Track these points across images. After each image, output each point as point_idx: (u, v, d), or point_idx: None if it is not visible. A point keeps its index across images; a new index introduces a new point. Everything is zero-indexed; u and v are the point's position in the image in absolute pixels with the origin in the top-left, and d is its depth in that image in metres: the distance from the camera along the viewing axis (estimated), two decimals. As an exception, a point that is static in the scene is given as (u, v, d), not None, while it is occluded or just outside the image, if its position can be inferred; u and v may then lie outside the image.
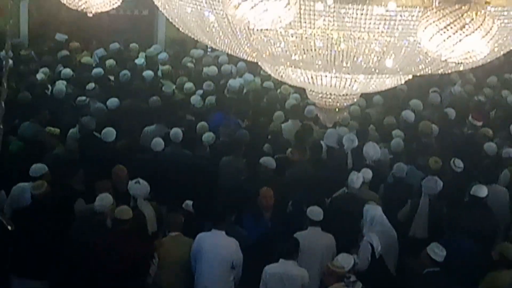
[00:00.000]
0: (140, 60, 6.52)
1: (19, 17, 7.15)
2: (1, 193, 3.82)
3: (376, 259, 3.49)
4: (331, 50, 1.40)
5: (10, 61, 4.30)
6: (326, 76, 1.54)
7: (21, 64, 5.99)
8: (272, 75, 1.69)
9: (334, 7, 1.28)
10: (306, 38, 1.35)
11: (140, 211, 3.57)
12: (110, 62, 6.31)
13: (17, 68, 5.78)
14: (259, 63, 1.68)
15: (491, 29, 1.38)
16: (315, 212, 3.50)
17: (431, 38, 1.42)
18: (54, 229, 3.45)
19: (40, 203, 3.45)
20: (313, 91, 1.64)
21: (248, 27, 1.35)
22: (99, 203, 3.35)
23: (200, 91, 5.74)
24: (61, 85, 5.56)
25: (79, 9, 1.55)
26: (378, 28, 1.32)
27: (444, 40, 1.42)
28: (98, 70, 5.99)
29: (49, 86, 5.76)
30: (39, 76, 5.92)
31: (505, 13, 1.41)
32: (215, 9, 1.29)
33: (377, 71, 1.51)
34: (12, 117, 4.40)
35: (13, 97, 4.58)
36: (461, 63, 1.32)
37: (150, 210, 3.71)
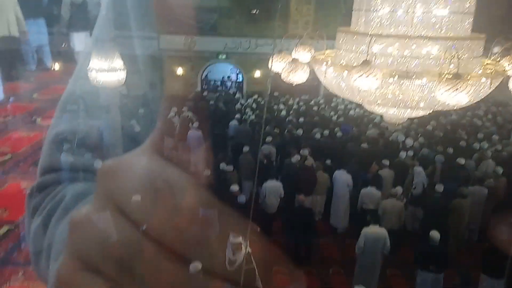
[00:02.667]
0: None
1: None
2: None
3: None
4: (395, 99, 3.16)
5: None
6: (392, 110, 3.32)
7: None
8: (368, 108, 3.51)
9: (397, 82, 3.06)
10: (384, 94, 3.13)
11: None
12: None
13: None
14: (362, 104, 3.47)
15: (469, 91, 3.10)
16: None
17: (442, 93, 3.16)
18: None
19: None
20: (386, 116, 3.44)
21: (358, 89, 3.14)
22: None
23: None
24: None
25: None
26: (418, 90, 3.07)
27: (448, 94, 3.15)
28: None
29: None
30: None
31: (477, 84, 3.12)
32: (345, 82, 3.12)
33: (415, 108, 3.24)
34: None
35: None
36: (454, 105, 3.03)
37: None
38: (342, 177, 7.70)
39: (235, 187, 6.62)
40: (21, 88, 15.73)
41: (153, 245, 0.39)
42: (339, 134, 9.83)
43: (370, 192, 7.25)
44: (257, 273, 0.42)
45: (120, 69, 5.55)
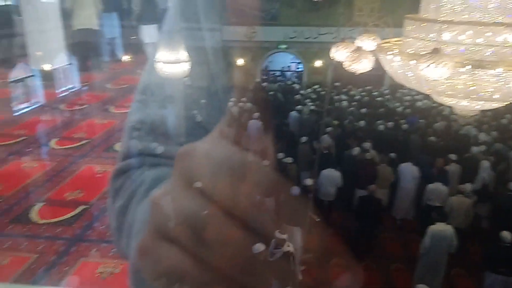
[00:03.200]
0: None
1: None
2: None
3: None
4: (466, 90, 2.95)
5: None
6: (463, 102, 3.10)
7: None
8: (437, 100, 3.32)
9: (470, 71, 2.85)
10: (455, 84, 2.93)
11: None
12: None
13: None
14: (430, 95, 3.29)
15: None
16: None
17: (521, 84, 2.89)
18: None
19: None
20: (456, 108, 3.23)
21: (427, 78, 2.97)
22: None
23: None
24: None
25: None
26: (492, 81, 2.85)
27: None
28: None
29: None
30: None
31: None
32: (412, 72, 2.97)
33: (489, 100, 3.00)
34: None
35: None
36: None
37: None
38: (409, 169, 7.40)
39: (308, 181, 6.49)
40: (95, 78, 16.92)
41: (224, 218, 0.43)
42: (404, 126, 9.41)
43: (436, 188, 6.88)
44: (295, 259, 0.44)
45: (185, 61, 5.75)
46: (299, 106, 10.91)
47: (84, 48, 16.15)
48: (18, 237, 7.33)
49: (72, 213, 8.20)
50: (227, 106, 0.58)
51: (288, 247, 0.43)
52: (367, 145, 7.97)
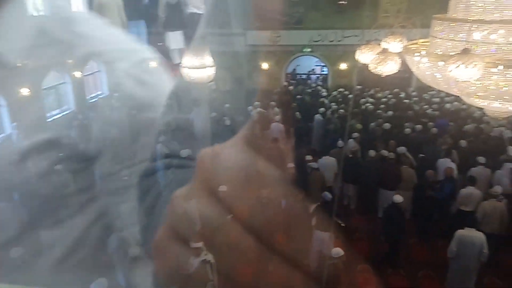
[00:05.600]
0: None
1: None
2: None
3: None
4: (499, 91, 2.85)
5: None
6: (495, 103, 2.99)
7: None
8: (467, 101, 3.22)
9: (502, 72, 2.76)
10: (486, 85, 2.84)
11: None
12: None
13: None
14: (460, 96, 3.20)
15: None
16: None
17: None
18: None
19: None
20: (488, 109, 3.11)
21: (456, 80, 2.89)
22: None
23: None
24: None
25: None
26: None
27: None
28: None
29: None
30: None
31: None
32: (441, 73, 2.89)
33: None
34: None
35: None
36: None
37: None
38: (447, 165, 7.41)
39: (327, 195, 6.48)
40: (124, 85, 17.30)
41: (237, 227, 0.42)
42: (433, 129, 9.18)
43: (468, 192, 6.66)
44: (212, 268, 0.43)
45: (210, 66, 5.83)
46: (322, 109, 10.84)
47: (112, 56, 16.61)
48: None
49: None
50: (252, 109, 0.56)
51: (206, 255, 0.41)
52: (392, 147, 7.95)
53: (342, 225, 6.35)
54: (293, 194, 0.44)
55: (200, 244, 0.42)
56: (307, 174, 7.37)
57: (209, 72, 5.90)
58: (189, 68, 5.71)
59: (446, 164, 7.48)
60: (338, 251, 5.09)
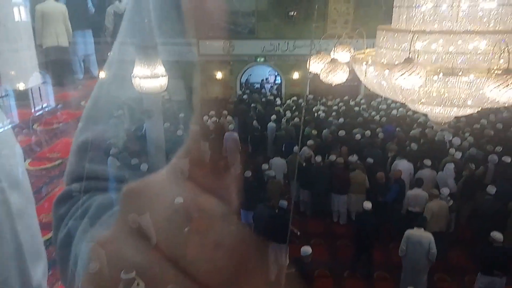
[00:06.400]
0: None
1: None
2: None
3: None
4: (440, 97, 3.04)
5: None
6: (437, 108, 3.19)
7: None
8: (412, 108, 3.40)
9: (442, 79, 2.94)
10: (429, 92, 3.01)
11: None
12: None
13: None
14: (405, 103, 3.36)
15: (522, 85, 2.92)
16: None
17: (491, 90, 3.00)
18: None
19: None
20: (431, 115, 3.31)
21: (401, 87, 3.04)
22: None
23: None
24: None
25: None
26: (465, 87, 2.94)
27: (499, 91, 2.99)
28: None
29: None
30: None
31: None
32: (386, 81, 3.03)
33: (462, 106, 3.09)
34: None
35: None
36: (505, 102, 2.87)
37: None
38: (405, 166, 7.81)
39: (283, 203, 6.55)
40: (70, 96, 16.58)
41: (169, 270, 0.37)
42: (381, 135, 9.58)
43: (415, 194, 7.00)
44: None
45: (162, 75, 5.73)
46: (276, 117, 11.00)
47: (58, 66, 15.89)
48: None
49: (49, 236, 7.93)
50: (207, 119, 0.52)
51: (138, 286, 0.37)
52: (342, 151, 8.36)
53: (298, 233, 6.43)
54: (245, 235, 0.38)
55: (133, 274, 0.37)
56: (264, 182, 7.41)
57: (162, 82, 5.79)
58: (140, 78, 5.57)
59: (399, 166, 7.81)
60: (306, 249, 5.19)
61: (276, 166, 8.16)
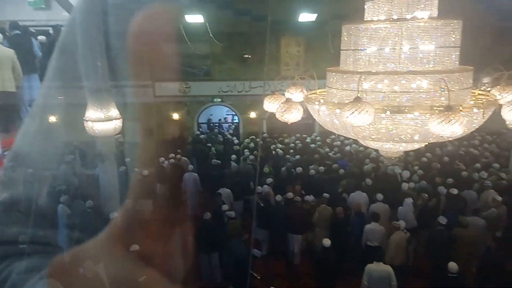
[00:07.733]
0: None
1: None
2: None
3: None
4: (389, 133, 3.20)
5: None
6: (387, 144, 3.35)
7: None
8: (363, 143, 3.55)
9: (390, 116, 3.11)
10: (378, 128, 3.16)
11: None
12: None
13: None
14: (357, 139, 3.51)
15: (462, 122, 3.14)
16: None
17: (435, 126, 3.19)
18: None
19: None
20: (381, 150, 3.47)
21: (352, 125, 3.18)
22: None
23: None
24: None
25: None
26: (411, 124, 3.12)
27: (442, 126, 3.18)
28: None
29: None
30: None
31: (470, 114, 3.17)
32: (338, 119, 3.16)
33: (410, 141, 3.27)
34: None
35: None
36: (449, 137, 3.06)
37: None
38: (361, 199, 8.06)
39: (257, 252, 6.69)
40: (18, 141, 15.74)
41: None
42: (339, 170, 9.83)
43: (373, 228, 7.14)
44: None
45: (116, 118, 5.62)
46: (235, 156, 11.04)
47: (4, 111, 15.21)
48: None
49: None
50: (163, 160, 0.50)
51: None
52: (296, 189, 8.49)
53: (258, 277, 6.31)
54: None
55: None
56: (224, 224, 7.28)
57: (116, 125, 5.68)
58: (93, 121, 5.44)
59: (355, 199, 7.99)
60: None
61: (224, 194, 8.46)
